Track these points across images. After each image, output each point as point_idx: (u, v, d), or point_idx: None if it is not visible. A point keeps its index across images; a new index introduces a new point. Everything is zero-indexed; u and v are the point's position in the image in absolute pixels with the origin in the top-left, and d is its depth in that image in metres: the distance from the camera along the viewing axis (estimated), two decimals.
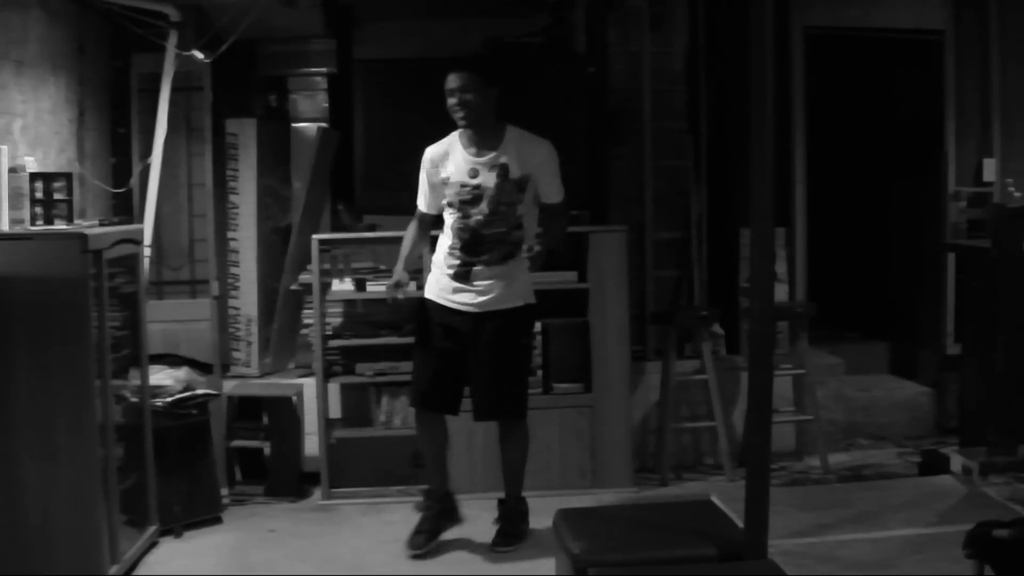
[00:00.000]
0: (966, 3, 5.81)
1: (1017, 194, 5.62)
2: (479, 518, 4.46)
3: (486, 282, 4.02)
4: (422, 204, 4.18)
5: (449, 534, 4.23)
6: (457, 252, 4.04)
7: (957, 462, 4.60)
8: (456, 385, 4.16)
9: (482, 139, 4.01)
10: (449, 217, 4.07)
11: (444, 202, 4.07)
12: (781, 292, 5.50)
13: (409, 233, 4.22)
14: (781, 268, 5.56)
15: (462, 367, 4.11)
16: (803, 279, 5.73)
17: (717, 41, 5.51)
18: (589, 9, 5.42)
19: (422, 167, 4.13)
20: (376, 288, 4.83)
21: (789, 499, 4.41)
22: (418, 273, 4.47)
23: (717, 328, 5.36)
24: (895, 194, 6.36)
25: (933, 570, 3.52)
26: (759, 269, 2.93)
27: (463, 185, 4.00)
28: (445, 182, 4.04)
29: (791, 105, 5.64)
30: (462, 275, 4.03)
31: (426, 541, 4.09)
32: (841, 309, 6.37)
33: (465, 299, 4.04)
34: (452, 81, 3.96)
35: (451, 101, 3.98)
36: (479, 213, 3.99)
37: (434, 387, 4.12)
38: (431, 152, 4.11)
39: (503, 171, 3.97)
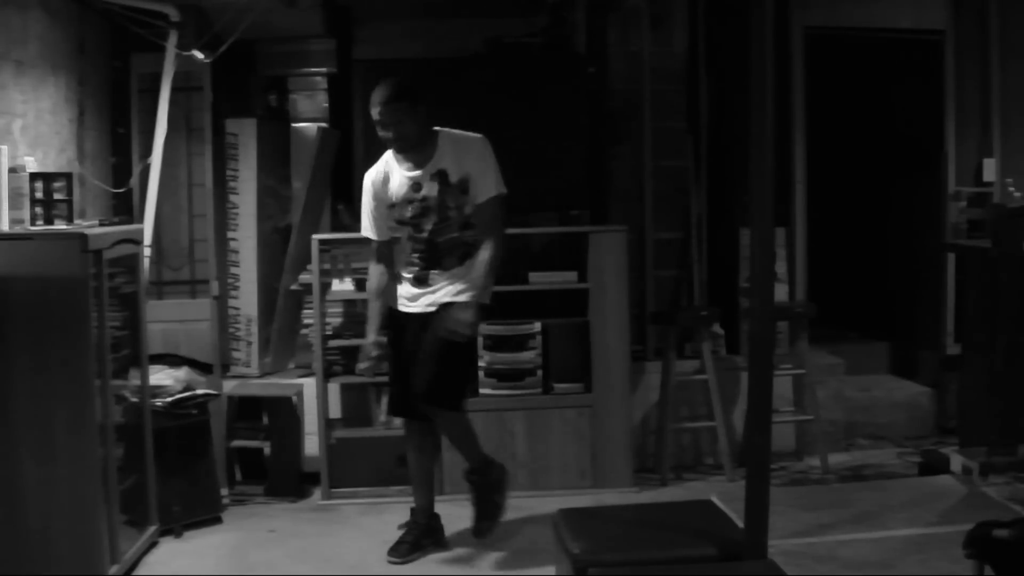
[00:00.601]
0: (966, 3, 5.81)
1: (1017, 194, 5.62)
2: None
3: (443, 282, 3.99)
4: (373, 233, 4.08)
5: (436, 556, 4.15)
6: (416, 260, 4.03)
7: (957, 462, 4.60)
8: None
9: (416, 153, 3.95)
10: (401, 233, 4.04)
11: (394, 221, 4.02)
12: (781, 292, 5.50)
13: (373, 280, 4.12)
14: (781, 268, 5.56)
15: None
16: (803, 279, 5.73)
17: (717, 41, 5.51)
18: (589, 9, 5.42)
19: (365, 193, 4.06)
20: None
21: (789, 499, 4.41)
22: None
23: (717, 328, 5.36)
24: (895, 194, 6.36)
25: (933, 570, 3.52)
26: (759, 269, 2.93)
27: (410, 201, 3.96)
28: (392, 204, 4.00)
29: (791, 105, 5.63)
30: (422, 279, 4.02)
31: (408, 551, 4.08)
32: (841, 309, 6.37)
33: (423, 302, 4.01)
34: (381, 114, 3.85)
35: (384, 133, 3.90)
36: (430, 223, 3.96)
37: (406, 393, 4.08)
38: (372, 177, 4.05)
39: (443, 177, 3.92)
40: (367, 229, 4.10)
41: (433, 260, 3.99)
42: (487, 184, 3.94)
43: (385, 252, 4.10)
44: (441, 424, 4.10)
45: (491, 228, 3.95)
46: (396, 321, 4.11)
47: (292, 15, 5.08)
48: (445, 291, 3.99)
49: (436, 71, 5.08)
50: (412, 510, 4.24)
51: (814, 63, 5.76)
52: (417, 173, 3.95)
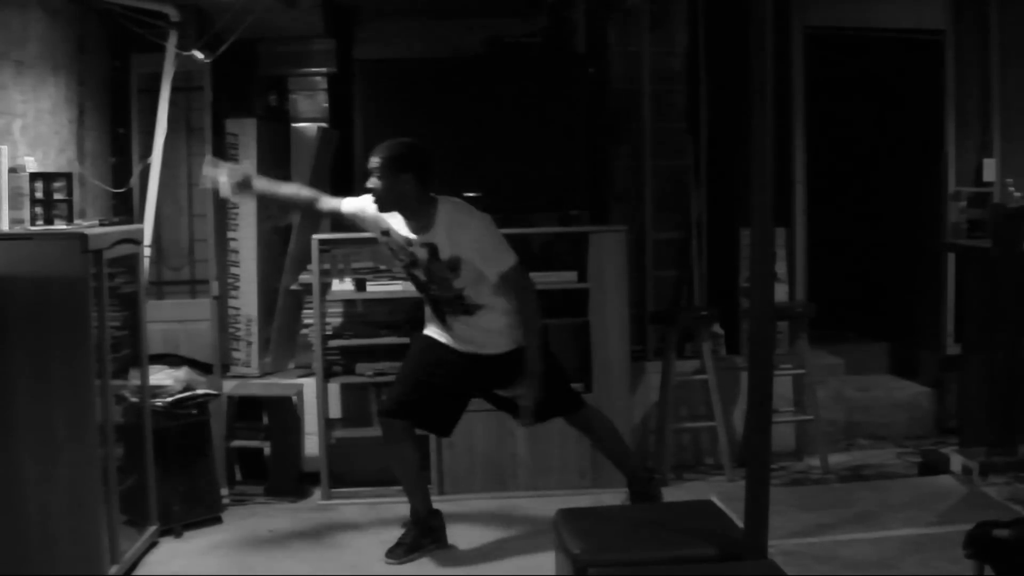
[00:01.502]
0: (966, 3, 5.82)
1: (1017, 194, 5.62)
2: (478, 518, 4.46)
3: (460, 327, 3.98)
4: (342, 202, 4.08)
5: (435, 555, 4.13)
6: (424, 296, 4.08)
7: (957, 462, 4.60)
8: (434, 404, 4.08)
9: (413, 220, 3.91)
10: (396, 265, 4.09)
11: (390, 249, 4.04)
12: (781, 292, 5.50)
13: (292, 189, 4.15)
14: (781, 268, 5.56)
15: (445, 391, 4.05)
16: (803, 279, 5.73)
17: (717, 41, 5.51)
18: (589, 9, 5.42)
19: (362, 199, 4.02)
20: (376, 288, 4.84)
21: (789, 499, 4.41)
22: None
23: (717, 328, 5.36)
24: (895, 194, 6.36)
25: (933, 570, 3.52)
26: (759, 269, 2.93)
27: (401, 248, 3.97)
28: (386, 232, 3.98)
29: (791, 105, 5.64)
30: (440, 318, 4.04)
31: (404, 553, 4.07)
32: (841, 309, 6.37)
33: (453, 343, 4.02)
34: (369, 164, 3.88)
35: (368, 183, 3.92)
36: (421, 275, 3.98)
37: (407, 394, 4.06)
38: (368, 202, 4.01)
39: (433, 251, 3.89)
40: (347, 201, 4.08)
41: (436, 305, 4.02)
42: (494, 265, 3.88)
43: (322, 207, 4.13)
44: (588, 419, 4.22)
45: (518, 296, 3.92)
46: (431, 341, 4.10)
47: (292, 15, 5.08)
48: (476, 344, 3.98)
49: (436, 71, 5.08)
50: (411, 510, 4.24)
51: (814, 63, 5.76)
52: (411, 235, 3.92)
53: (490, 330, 3.98)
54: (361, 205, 4.03)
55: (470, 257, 3.85)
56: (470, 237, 3.86)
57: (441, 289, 3.96)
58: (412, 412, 4.07)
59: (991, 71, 5.80)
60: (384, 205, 3.90)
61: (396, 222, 3.96)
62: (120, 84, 5.24)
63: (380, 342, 4.83)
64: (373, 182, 3.87)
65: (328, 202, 4.14)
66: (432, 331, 4.11)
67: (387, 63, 5.23)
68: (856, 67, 6.52)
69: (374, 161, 3.87)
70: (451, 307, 3.98)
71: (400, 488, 4.69)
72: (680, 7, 5.44)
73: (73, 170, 4.51)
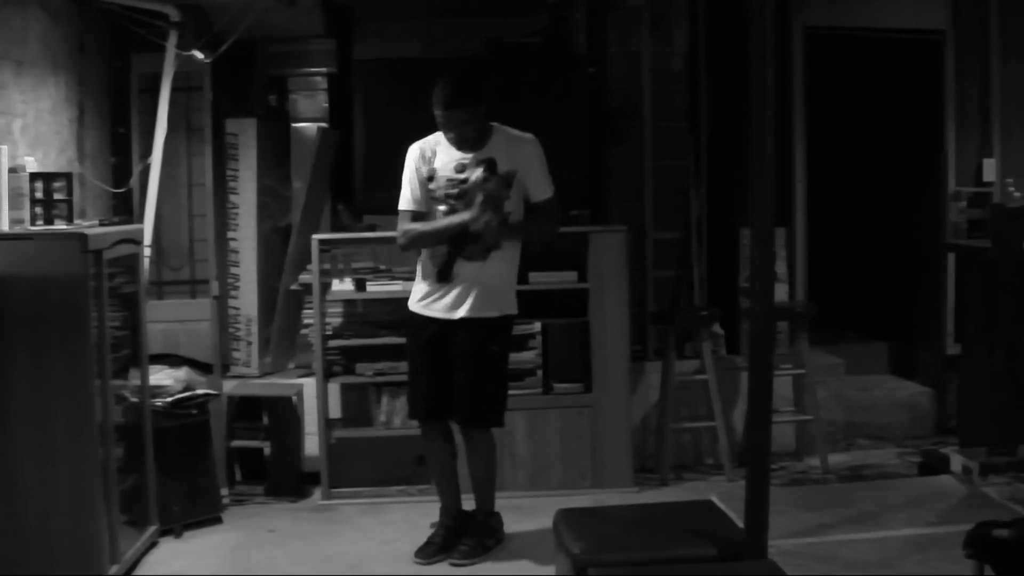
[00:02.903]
0: (966, 3, 5.82)
1: (1017, 194, 5.62)
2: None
3: (466, 282, 3.96)
4: (411, 204, 4.04)
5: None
6: (443, 245, 4.03)
7: (957, 462, 4.60)
8: (448, 391, 4.08)
9: (471, 143, 3.99)
10: (438, 212, 4.03)
11: (431, 197, 4.02)
12: (781, 292, 5.50)
13: (416, 226, 4.04)
14: (781, 268, 5.56)
15: (450, 372, 4.05)
16: (803, 279, 5.73)
17: (717, 41, 5.51)
18: (589, 9, 5.42)
19: (408, 163, 4.06)
20: (376, 288, 4.83)
21: (789, 499, 4.40)
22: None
23: (717, 328, 5.36)
24: (895, 194, 6.36)
25: (933, 570, 3.52)
26: (759, 269, 2.93)
27: (450, 179, 3.98)
28: (431, 176, 4.00)
29: (791, 105, 5.64)
30: (444, 272, 3.99)
31: (433, 553, 4.06)
32: (841, 309, 6.36)
33: (443, 305, 3.99)
34: (442, 117, 3.91)
35: (448, 135, 3.97)
36: (465, 206, 3.94)
37: (427, 396, 4.07)
38: (419, 147, 4.06)
39: (491, 166, 3.93)
40: (406, 200, 4.06)
41: (459, 244, 3.97)
42: (541, 185, 4.04)
43: (419, 219, 4.07)
44: (479, 446, 4.09)
45: (547, 223, 4.09)
46: (414, 323, 4.10)
47: (292, 15, 5.08)
48: (468, 303, 3.96)
49: (436, 71, 5.06)
50: (441, 509, 4.21)
51: (814, 63, 5.76)
52: (466, 157, 3.98)
53: (492, 284, 3.98)
54: (415, 181, 4.03)
55: (526, 171, 3.98)
56: (528, 151, 4.02)
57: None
58: (438, 410, 4.07)
59: (991, 71, 5.80)
60: (475, 143, 3.98)
61: (442, 158, 4.01)
62: (120, 84, 5.25)
63: (380, 342, 4.83)
64: (462, 132, 3.93)
65: (416, 218, 4.05)
66: (418, 302, 4.07)
67: (387, 63, 5.23)
68: (856, 67, 6.52)
69: (447, 113, 3.90)
70: (478, 242, 3.94)
71: (400, 488, 4.72)
72: (680, 7, 5.44)
73: (73, 170, 4.51)
